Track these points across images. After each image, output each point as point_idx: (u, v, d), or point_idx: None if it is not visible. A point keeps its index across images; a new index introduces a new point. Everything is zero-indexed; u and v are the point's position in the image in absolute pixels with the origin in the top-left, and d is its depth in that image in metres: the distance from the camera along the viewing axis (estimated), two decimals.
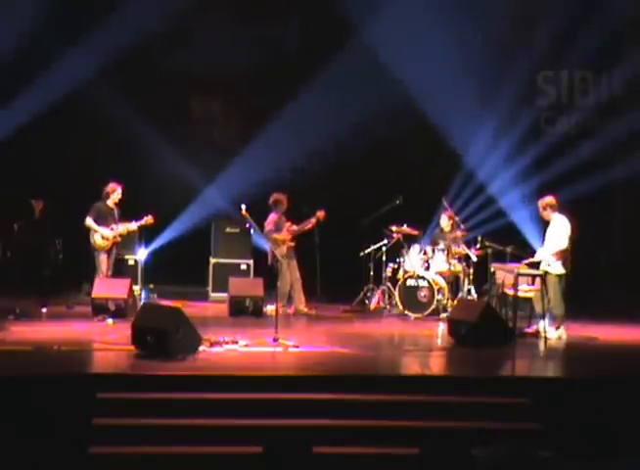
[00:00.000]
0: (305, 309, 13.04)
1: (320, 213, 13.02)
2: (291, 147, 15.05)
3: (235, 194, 14.92)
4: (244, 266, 14.32)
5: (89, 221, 12.34)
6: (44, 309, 11.98)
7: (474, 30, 14.92)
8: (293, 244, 13.12)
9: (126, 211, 12.69)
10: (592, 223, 13.93)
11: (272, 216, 13.06)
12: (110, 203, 12.52)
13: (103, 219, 12.40)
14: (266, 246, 12.80)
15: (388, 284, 13.35)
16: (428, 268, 13.12)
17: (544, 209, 11.32)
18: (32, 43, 14.15)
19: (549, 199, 11.35)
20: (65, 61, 14.90)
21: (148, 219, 12.63)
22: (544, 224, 11.52)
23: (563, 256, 11.14)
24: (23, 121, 14.77)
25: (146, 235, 13.68)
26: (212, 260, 14.38)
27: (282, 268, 12.74)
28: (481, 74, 14.97)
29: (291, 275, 13.05)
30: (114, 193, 12.49)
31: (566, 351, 10.75)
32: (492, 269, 11.99)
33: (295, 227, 13.07)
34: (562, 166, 14.23)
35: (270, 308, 12.14)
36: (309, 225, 13.10)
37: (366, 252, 13.48)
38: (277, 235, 12.94)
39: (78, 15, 14.82)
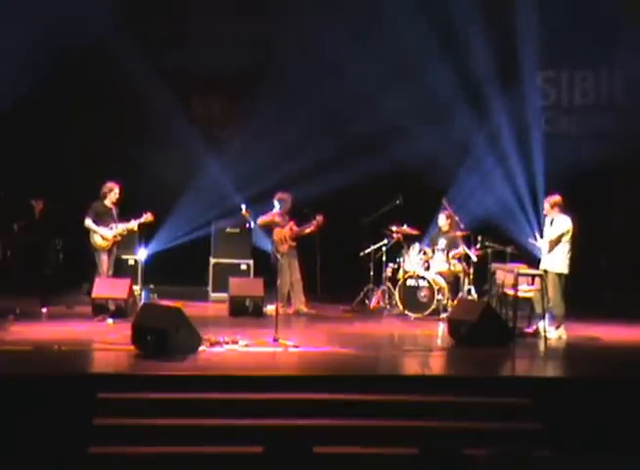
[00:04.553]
0: (305, 309, 13.06)
1: (319, 218, 13.05)
2: (290, 146, 15.05)
3: (235, 193, 14.95)
4: (244, 266, 14.34)
5: (88, 222, 12.36)
6: (44, 309, 11.98)
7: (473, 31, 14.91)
8: (294, 244, 13.15)
9: (127, 210, 12.70)
10: (592, 223, 13.92)
11: (273, 212, 13.11)
12: (107, 202, 12.53)
13: (101, 219, 12.41)
14: (268, 245, 12.86)
15: (389, 284, 13.35)
16: (428, 268, 13.12)
17: (551, 207, 11.34)
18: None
19: (557, 198, 11.39)
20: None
21: (147, 217, 12.64)
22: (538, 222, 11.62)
23: (563, 255, 11.17)
24: (22, 120, 14.83)
25: (146, 235, 13.69)
26: (212, 261, 14.39)
27: (282, 268, 12.76)
28: (481, 74, 14.99)
29: (291, 275, 13.06)
30: (112, 192, 12.51)
31: (566, 351, 10.76)
32: (492, 269, 12.00)
33: (296, 228, 13.10)
34: (561, 166, 14.21)
35: (270, 308, 12.15)
36: (310, 229, 13.12)
37: (366, 252, 13.49)
38: (265, 219, 12.96)
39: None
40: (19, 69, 14.00)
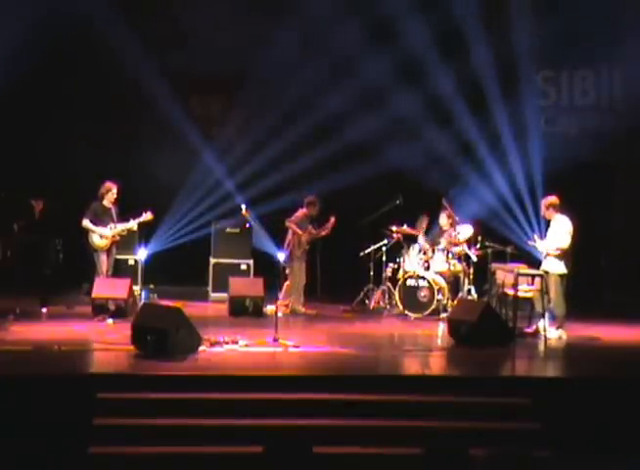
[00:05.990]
0: (303, 309, 13.07)
1: (332, 220, 13.10)
2: (290, 146, 15.06)
3: (235, 193, 14.96)
4: (244, 266, 14.35)
5: (86, 222, 12.38)
6: (44, 309, 11.97)
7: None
8: (308, 247, 13.19)
9: (126, 210, 12.70)
10: (592, 223, 13.93)
11: (300, 212, 13.17)
12: (106, 202, 12.55)
13: (100, 219, 12.42)
14: (268, 246, 12.90)
15: (389, 284, 13.36)
16: (428, 268, 13.12)
17: (547, 208, 11.35)
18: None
19: (552, 199, 11.39)
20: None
21: (147, 216, 12.66)
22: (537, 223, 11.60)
23: (564, 255, 11.16)
24: (22, 120, 14.83)
25: (146, 235, 13.69)
26: (212, 261, 14.40)
27: (293, 270, 12.90)
28: (482, 74, 15.01)
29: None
30: (110, 192, 12.53)
31: (566, 351, 10.75)
32: (492, 269, 12.00)
33: (313, 231, 13.15)
34: (561, 166, 14.22)
35: (270, 308, 12.16)
36: (325, 231, 13.18)
37: (366, 252, 13.49)
38: (296, 228, 12.99)
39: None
40: (18, 67, 14.01)
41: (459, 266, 13.07)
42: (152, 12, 15.47)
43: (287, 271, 13.05)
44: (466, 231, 13.08)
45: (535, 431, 7.89)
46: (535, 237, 11.53)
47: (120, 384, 8.12)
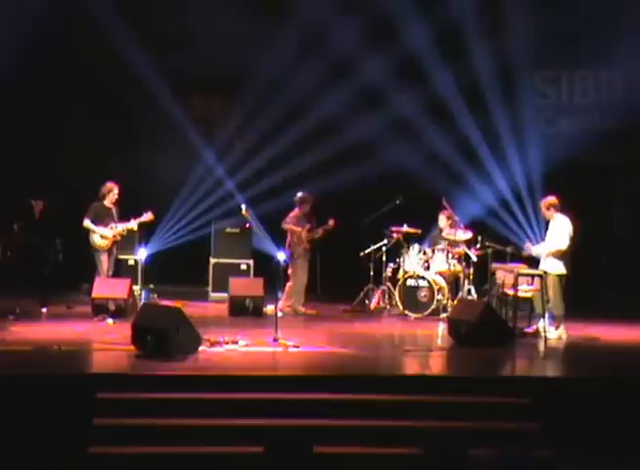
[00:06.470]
0: (302, 309, 13.08)
1: (331, 222, 13.09)
2: (290, 146, 15.07)
3: (235, 193, 14.96)
4: (244, 266, 14.36)
5: (87, 222, 12.40)
6: (44, 309, 11.99)
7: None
8: (309, 246, 13.18)
9: (127, 210, 12.71)
10: (592, 223, 13.92)
11: (294, 212, 13.17)
12: (107, 202, 12.57)
13: (101, 219, 12.44)
14: (268, 246, 12.93)
15: (388, 284, 13.37)
16: (428, 268, 13.13)
17: (547, 208, 11.34)
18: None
19: (552, 199, 11.38)
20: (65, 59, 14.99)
21: (147, 216, 12.67)
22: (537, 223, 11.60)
23: (563, 256, 11.15)
24: (22, 120, 14.84)
25: (146, 235, 13.70)
26: (212, 260, 14.41)
27: (297, 268, 12.93)
28: (481, 74, 15.00)
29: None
30: (111, 193, 12.55)
31: (566, 351, 10.75)
32: (492, 269, 12.00)
33: (309, 232, 13.16)
34: (561, 166, 14.22)
35: (270, 308, 12.16)
36: (321, 232, 13.17)
37: (366, 252, 13.49)
38: (294, 227, 12.98)
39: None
40: (18, 67, 14.02)
41: (459, 266, 13.08)
42: (152, 12, 15.47)
43: (289, 271, 13.03)
44: (465, 232, 13.10)
45: (535, 431, 7.89)
46: (528, 244, 11.49)
47: (120, 384, 8.12)
